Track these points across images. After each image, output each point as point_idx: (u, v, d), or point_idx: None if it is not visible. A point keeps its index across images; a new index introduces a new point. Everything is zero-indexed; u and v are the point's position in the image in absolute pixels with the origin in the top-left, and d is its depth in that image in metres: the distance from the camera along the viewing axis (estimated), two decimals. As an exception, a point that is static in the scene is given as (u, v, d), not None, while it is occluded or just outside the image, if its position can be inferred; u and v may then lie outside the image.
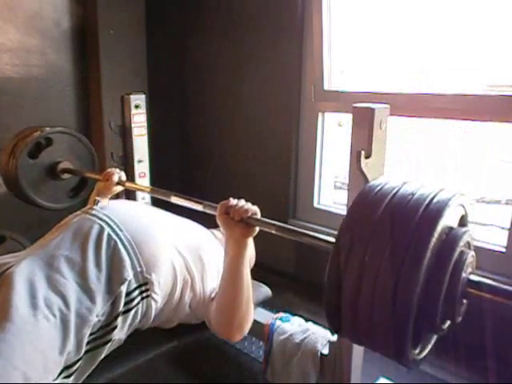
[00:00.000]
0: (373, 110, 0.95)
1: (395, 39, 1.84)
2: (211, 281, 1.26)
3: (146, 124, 2.36)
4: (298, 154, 2.10)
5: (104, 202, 1.54)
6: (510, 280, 1.49)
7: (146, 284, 1.10)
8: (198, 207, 1.24)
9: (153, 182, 2.42)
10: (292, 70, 2.01)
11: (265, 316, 1.53)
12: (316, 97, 1.98)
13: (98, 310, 0.99)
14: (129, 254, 1.09)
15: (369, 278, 0.67)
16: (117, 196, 1.79)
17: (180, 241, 1.25)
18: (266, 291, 1.56)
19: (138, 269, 1.09)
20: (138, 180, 2.35)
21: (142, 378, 1.51)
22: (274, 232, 1.05)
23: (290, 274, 2.19)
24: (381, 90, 1.77)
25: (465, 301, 0.74)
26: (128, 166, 2.35)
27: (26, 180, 1.69)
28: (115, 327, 1.03)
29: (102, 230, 1.09)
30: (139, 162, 2.35)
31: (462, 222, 0.78)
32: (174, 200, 1.33)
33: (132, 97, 2.27)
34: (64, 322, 0.92)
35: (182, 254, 1.22)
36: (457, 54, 1.68)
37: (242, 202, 1.13)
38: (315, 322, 1.45)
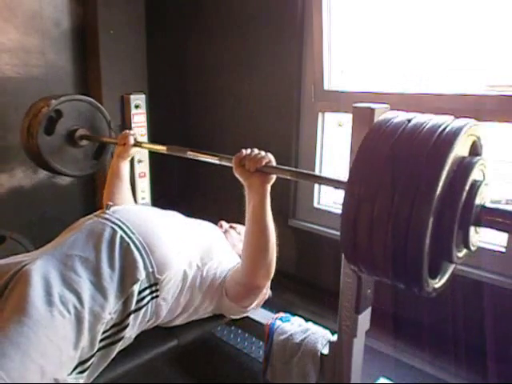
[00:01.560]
0: (373, 110, 0.95)
1: (395, 39, 1.84)
2: (221, 274, 1.28)
3: (146, 124, 2.36)
4: (298, 154, 2.10)
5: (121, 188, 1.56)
6: (510, 280, 1.49)
7: (156, 284, 1.12)
8: (215, 160, 1.27)
9: (153, 181, 2.43)
10: (292, 69, 2.01)
11: (265, 316, 1.53)
12: (316, 97, 1.98)
13: (111, 308, 1.02)
14: (141, 255, 1.11)
15: (382, 210, 0.68)
16: None
17: (190, 241, 1.28)
18: (266, 291, 1.56)
19: (150, 269, 1.11)
20: (137, 180, 2.35)
21: (142, 377, 1.51)
22: (289, 178, 1.08)
23: (290, 274, 2.19)
24: (381, 90, 1.77)
25: (481, 229, 0.75)
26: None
27: (50, 155, 1.74)
28: (127, 325, 1.06)
29: (114, 232, 1.12)
30: (139, 162, 2.36)
31: (476, 151, 0.78)
32: (190, 155, 1.36)
33: (132, 97, 2.27)
34: (78, 319, 0.95)
35: (192, 254, 1.24)
36: (457, 54, 1.68)
37: (255, 152, 1.14)
38: (315, 322, 1.45)
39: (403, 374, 1.56)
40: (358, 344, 1.14)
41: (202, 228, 1.44)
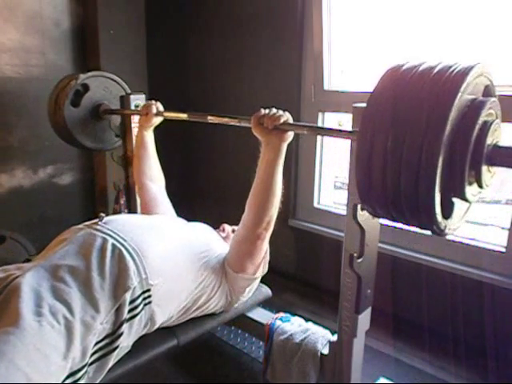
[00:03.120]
0: (373, 109, 0.95)
1: (395, 39, 1.84)
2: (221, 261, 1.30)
3: (146, 124, 2.35)
4: (298, 154, 2.10)
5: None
6: (510, 280, 1.49)
7: (148, 290, 1.11)
8: (234, 122, 1.31)
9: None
10: (292, 69, 2.01)
11: (265, 316, 1.53)
12: (316, 97, 1.98)
13: (102, 318, 1.01)
14: (134, 260, 1.10)
15: (395, 147, 0.70)
16: (119, 208, 1.83)
17: (185, 246, 1.27)
18: (266, 291, 1.56)
19: (143, 276, 1.10)
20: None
21: (142, 377, 1.51)
22: (305, 133, 1.15)
23: (290, 274, 2.19)
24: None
25: (494, 170, 0.76)
26: (128, 166, 2.35)
27: (76, 128, 1.83)
28: (121, 334, 1.05)
29: (105, 241, 1.11)
30: (139, 161, 2.35)
31: (489, 93, 0.79)
32: (211, 119, 1.40)
33: (132, 97, 2.26)
34: (68, 329, 0.93)
35: (187, 259, 1.24)
36: (457, 54, 1.68)
37: (274, 111, 1.17)
38: (315, 322, 1.45)
39: (403, 374, 1.56)
40: (358, 344, 1.14)
41: (196, 230, 1.44)
